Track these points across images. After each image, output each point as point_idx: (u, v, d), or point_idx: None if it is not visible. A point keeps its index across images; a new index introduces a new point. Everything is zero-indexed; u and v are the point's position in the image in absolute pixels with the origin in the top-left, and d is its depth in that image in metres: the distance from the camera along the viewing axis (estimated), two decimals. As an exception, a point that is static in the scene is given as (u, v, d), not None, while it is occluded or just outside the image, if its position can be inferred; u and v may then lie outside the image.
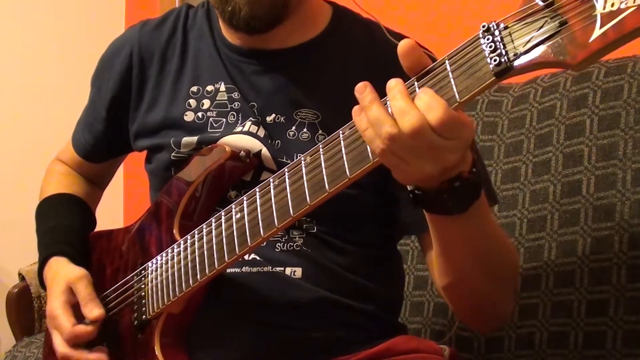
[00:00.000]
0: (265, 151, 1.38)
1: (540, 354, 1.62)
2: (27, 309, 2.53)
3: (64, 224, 1.62)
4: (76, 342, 1.41)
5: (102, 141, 1.65)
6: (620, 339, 1.52)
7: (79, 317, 1.43)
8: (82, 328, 1.40)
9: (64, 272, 1.49)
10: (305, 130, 1.38)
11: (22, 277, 2.59)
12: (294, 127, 1.39)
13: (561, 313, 1.61)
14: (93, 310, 1.41)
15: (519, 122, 1.80)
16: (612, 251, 1.57)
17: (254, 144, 1.38)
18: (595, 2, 0.80)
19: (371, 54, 1.43)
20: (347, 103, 1.35)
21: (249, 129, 1.40)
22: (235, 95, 1.43)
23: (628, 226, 1.56)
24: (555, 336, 1.61)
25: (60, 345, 1.42)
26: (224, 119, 1.42)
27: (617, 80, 1.64)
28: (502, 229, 1.31)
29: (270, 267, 1.36)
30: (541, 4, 0.86)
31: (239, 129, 1.40)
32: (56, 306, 1.44)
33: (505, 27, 0.89)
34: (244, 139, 1.39)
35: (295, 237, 1.37)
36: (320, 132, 1.38)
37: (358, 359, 1.35)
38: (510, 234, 1.72)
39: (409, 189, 1.09)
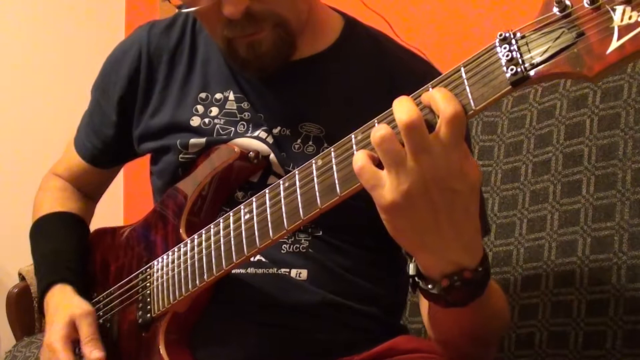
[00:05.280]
0: (273, 157, 1.38)
1: (540, 354, 1.63)
2: (27, 309, 2.53)
3: (65, 248, 1.60)
4: None
5: (111, 145, 1.63)
6: (620, 339, 1.53)
7: (79, 353, 1.41)
8: None
9: (69, 304, 1.47)
10: (310, 143, 1.38)
11: (22, 277, 2.58)
12: (299, 140, 1.39)
13: (561, 313, 1.62)
14: (93, 351, 1.39)
15: (519, 122, 1.80)
16: (612, 251, 1.57)
17: (263, 148, 1.38)
18: (613, 14, 0.81)
19: (379, 68, 1.43)
20: (353, 117, 1.35)
21: (258, 135, 1.40)
22: (245, 105, 1.43)
23: (628, 226, 1.56)
24: (555, 336, 1.62)
25: None
26: (233, 128, 1.42)
27: (617, 80, 1.65)
28: (499, 290, 1.26)
29: (275, 269, 1.36)
30: (558, 14, 0.86)
31: (248, 135, 1.40)
32: (56, 339, 1.42)
33: (522, 37, 0.89)
34: (252, 142, 1.39)
35: (301, 239, 1.37)
36: (325, 145, 1.37)
37: (360, 359, 1.35)
38: (510, 234, 1.73)
39: (410, 272, 1.05)
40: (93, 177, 1.72)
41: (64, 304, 1.47)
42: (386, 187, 0.95)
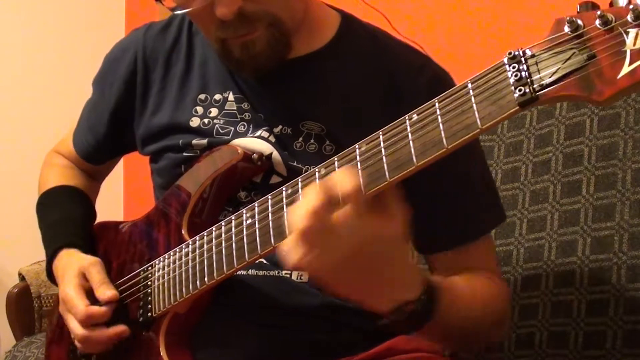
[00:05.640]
0: (276, 154, 1.37)
1: (540, 354, 1.63)
2: (27, 309, 2.53)
3: (72, 217, 1.62)
4: (91, 323, 1.40)
5: (104, 144, 1.65)
6: (620, 339, 1.53)
7: (93, 301, 1.42)
8: (96, 309, 1.40)
9: (76, 259, 1.49)
10: (312, 141, 1.37)
11: (22, 277, 2.58)
12: (300, 139, 1.38)
13: (561, 313, 1.62)
14: (106, 292, 1.41)
15: (519, 122, 1.80)
16: (612, 251, 1.57)
17: (266, 147, 1.38)
18: (626, 38, 0.79)
19: (377, 64, 1.42)
20: (353, 114, 1.36)
21: (260, 134, 1.39)
22: (245, 105, 1.42)
23: (628, 226, 1.56)
24: (555, 336, 1.62)
25: (76, 328, 1.41)
26: (233, 128, 1.41)
27: (617, 80, 1.64)
28: (477, 289, 1.32)
29: (276, 271, 1.36)
30: (570, 34, 0.85)
31: (249, 135, 1.40)
32: (69, 289, 1.43)
33: (532, 56, 0.88)
34: (255, 141, 1.39)
35: None
36: (327, 142, 1.37)
37: (359, 359, 1.35)
38: (510, 234, 1.73)
39: None
40: (91, 168, 1.75)
41: (72, 262, 1.49)
42: (316, 265, 1.00)
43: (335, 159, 1.08)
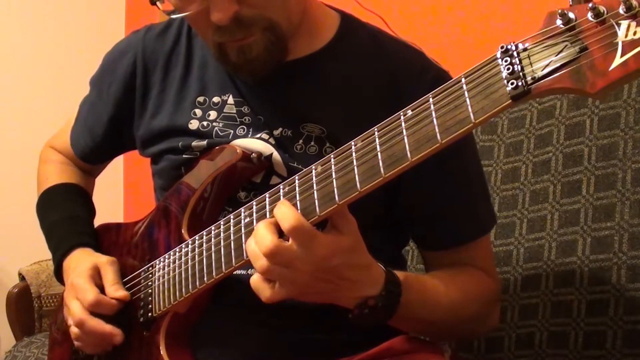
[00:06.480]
0: (276, 155, 1.37)
1: (540, 354, 1.63)
2: (27, 309, 2.54)
3: (79, 215, 1.63)
4: (96, 311, 1.41)
5: (102, 145, 1.65)
6: (620, 339, 1.53)
7: None
8: (106, 299, 1.41)
9: (92, 258, 1.49)
10: (312, 143, 1.37)
11: (22, 277, 2.59)
12: (301, 141, 1.38)
13: (561, 313, 1.62)
14: (119, 290, 1.42)
15: (519, 122, 1.80)
16: (612, 251, 1.57)
17: (266, 148, 1.38)
18: (617, 29, 0.80)
19: (377, 64, 1.42)
20: (354, 115, 1.36)
21: (260, 136, 1.39)
22: (245, 109, 1.42)
23: (628, 226, 1.56)
24: (555, 336, 1.61)
25: (79, 311, 1.41)
26: (232, 131, 1.41)
27: (617, 80, 1.64)
28: (465, 285, 1.37)
29: None
30: (562, 27, 0.85)
31: (249, 136, 1.40)
32: (81, 279, 1.43)
33: (524, 49, 0.88)
34: (255, 142, 1.39)
35: None
36: (327, 144, 1.36)
37: (359, 359, 1.35)
38: (510, 234, 1.73)
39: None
40: (87, 167, 1.76)
41: (87, 258, 1.49)
42: (283, 294, 1.14)
43: (332, 156, 1.09)
